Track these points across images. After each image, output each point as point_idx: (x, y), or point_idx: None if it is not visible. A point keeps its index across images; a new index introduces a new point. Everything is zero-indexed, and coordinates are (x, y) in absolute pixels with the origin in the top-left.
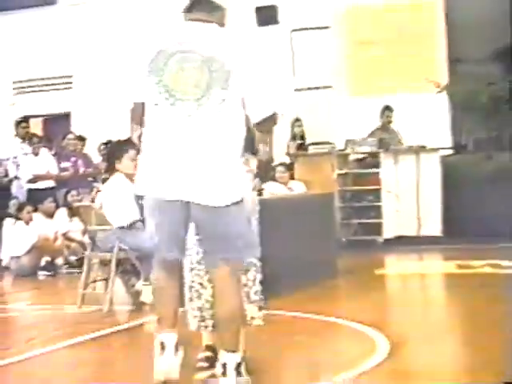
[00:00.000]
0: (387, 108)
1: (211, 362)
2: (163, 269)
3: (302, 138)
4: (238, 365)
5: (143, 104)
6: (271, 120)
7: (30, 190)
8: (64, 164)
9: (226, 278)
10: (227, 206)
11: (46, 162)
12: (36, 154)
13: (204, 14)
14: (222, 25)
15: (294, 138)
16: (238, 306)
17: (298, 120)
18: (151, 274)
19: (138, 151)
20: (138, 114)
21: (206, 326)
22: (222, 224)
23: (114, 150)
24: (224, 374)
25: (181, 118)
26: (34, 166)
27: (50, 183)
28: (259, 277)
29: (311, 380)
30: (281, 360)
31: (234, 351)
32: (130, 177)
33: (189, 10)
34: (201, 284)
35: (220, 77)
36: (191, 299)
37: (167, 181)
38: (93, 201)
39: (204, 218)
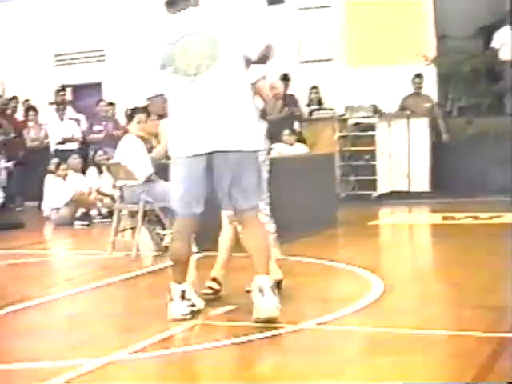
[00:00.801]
0: (417, 76)
1: (215, 291)
2: (182, 225)
3: (320, 103)
4: (272, 286)
5: (161, 96)
6: (266, 55)
7: (58, 151)
8: (97, 127)
9: (254, 217)
10: (250, 152)
11: (71, 127)
12: (62, 119)
13: (183, 3)
14: (195, 4)
15: (310, 103)
16: (265, 239)
17: (314, 87)
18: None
19: (147, 115)
20: (156, 105)
21: None
22: (248, 171)
23: (128, 114)
24: (262, 294)
25: (198, 87)
26: (60, 130)
27: (75, 145)
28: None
29: (314, 314)
30: (287, 298)
31: (266, 274)
32: (139, 136)
33: (170, 5)
34: None
35: (219, 44)
36: None
37: (194, 139)
38: (108, 159)
39: (229, 166)
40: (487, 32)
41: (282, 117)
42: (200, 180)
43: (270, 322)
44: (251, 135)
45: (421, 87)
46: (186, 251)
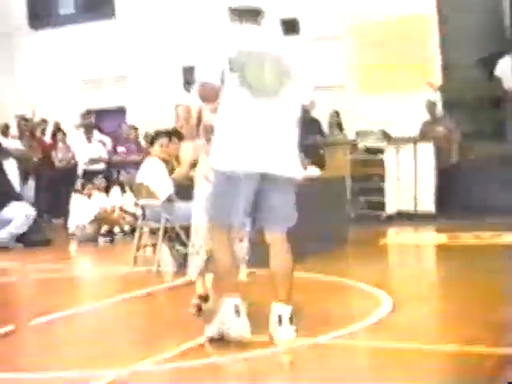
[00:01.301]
0: (431, 103)
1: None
2: (225, 236)
3: (340, 127)
4: (291, 315)
5: (214, 86)
6: (310, 108)
7: (85, 171)
8: (120, 148)
9: (283, 240)
10: (295, 179)
11: (98, 148)
12: (89, 141)
13: (254, 18)
14: (259, 26)
15: (330, 127)
16: (291, 264)
17: (335, 112)
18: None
19: (169, 139)
20: (208, 92)
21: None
22: (288, 195)
23: (151, 138)
24: (279, 323)
25: (260, 105)
26: (88, 151)
27: (102, 165)
28: (246, 243)
29: (326, 329)
30: (301, 313)
31: (287, 303)
32: (161, 159)
33: (241, 15)
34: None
35: (287, 71)
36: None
37: (253, 156)
38: (131, 179)
39: (276, 189)
40: (491, 61)
41: (308, 144)
42: (249, 196)
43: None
44: (298, 163)
45: (436, 113)
46: (231, 263)
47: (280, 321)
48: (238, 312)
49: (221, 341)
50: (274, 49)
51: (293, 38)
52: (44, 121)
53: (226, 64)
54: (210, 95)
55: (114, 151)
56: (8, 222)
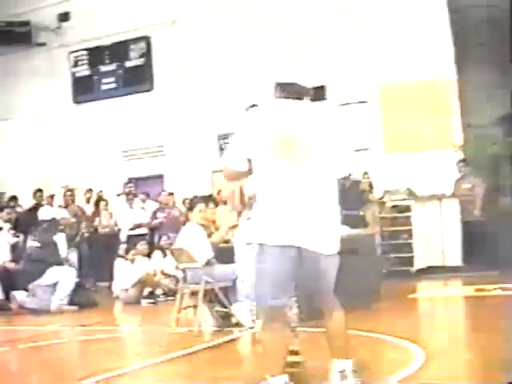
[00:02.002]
0: (461, 161)
1: (296, 365)
2: (271, 316)
3: (371, 187)
4: (353, 368)
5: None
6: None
7: (129, 236)
8: (160, 214)
9: (332, 300)
10: (333, 254)
11: (139, 214)
12: (131, 208)
13: (295, 92)
14: (311, 99)
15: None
16: (344, 322)
17: (365, 173)
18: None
19: (206, 205)
20: (230, 174)
21: None
22: (327, 269)
23: (189, 204)
24: (343, 378)
25: (293, 177)
26: (130, 217)
27: (144, 230)
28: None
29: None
30: None
31: (346, 358)
32: (200, 224)
33: (287, 92)
34: None
35: (317, 143)
36: None
37: (286, 229)
38: (171, 244)
39: (314, 264)
40: (506, 121)
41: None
42: (288, 271)
43: None
44: (336, 238)
45: (464, 171)
46: (280, 341)
47: (343, 375)
48: None
49: None
50: (306, 123)
51: (325, 111)
52: (90, 190)
53: (258, 139)
54: (232, 177)
55: (155, 217)
56: (54, 285)
